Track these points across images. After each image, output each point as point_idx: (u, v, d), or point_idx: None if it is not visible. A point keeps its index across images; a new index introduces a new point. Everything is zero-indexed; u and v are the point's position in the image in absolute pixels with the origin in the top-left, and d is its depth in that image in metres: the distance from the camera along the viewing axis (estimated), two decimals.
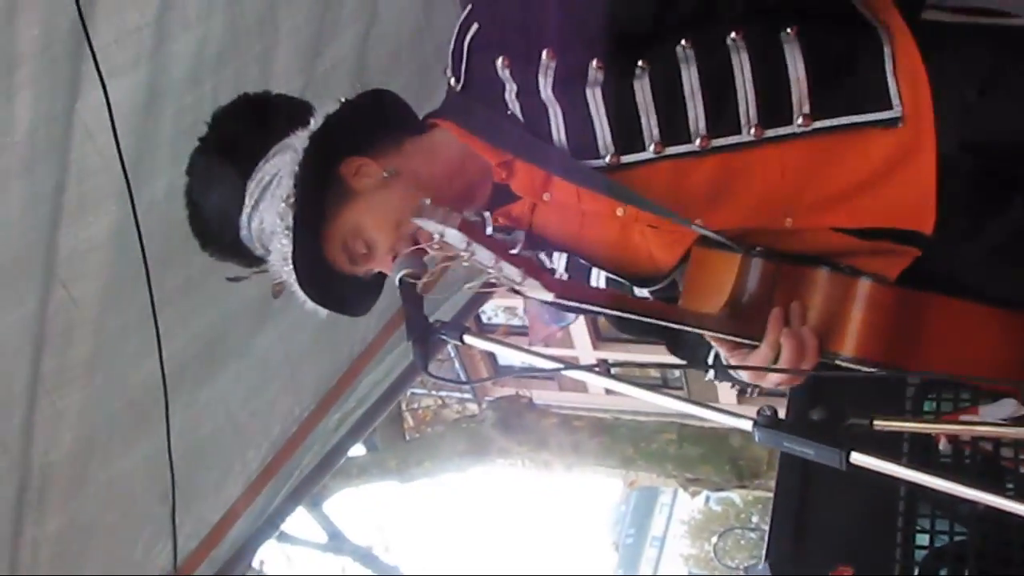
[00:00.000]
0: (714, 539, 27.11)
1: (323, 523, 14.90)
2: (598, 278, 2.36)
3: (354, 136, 2.24)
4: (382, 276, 2.38)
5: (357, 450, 14.55)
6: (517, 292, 1.79)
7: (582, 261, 2.34)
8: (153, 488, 3.47)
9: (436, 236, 1.75)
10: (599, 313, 2.03)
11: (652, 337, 2.60)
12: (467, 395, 18.30)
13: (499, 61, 2.18)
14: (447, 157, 2.30)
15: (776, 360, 2.09)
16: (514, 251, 1.72)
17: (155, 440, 3.30)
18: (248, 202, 2.25)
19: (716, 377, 2.43)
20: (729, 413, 1.83)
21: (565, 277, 2.41)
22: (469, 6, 2.28)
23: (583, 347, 17.47)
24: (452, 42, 2.28)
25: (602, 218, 2.27)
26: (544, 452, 12.11)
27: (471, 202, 2.31)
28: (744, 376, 2.21)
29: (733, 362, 2.18)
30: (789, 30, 2.15)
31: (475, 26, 2.22)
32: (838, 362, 2.11)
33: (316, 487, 4.71)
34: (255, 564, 15.20)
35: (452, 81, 2.31)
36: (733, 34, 2.14)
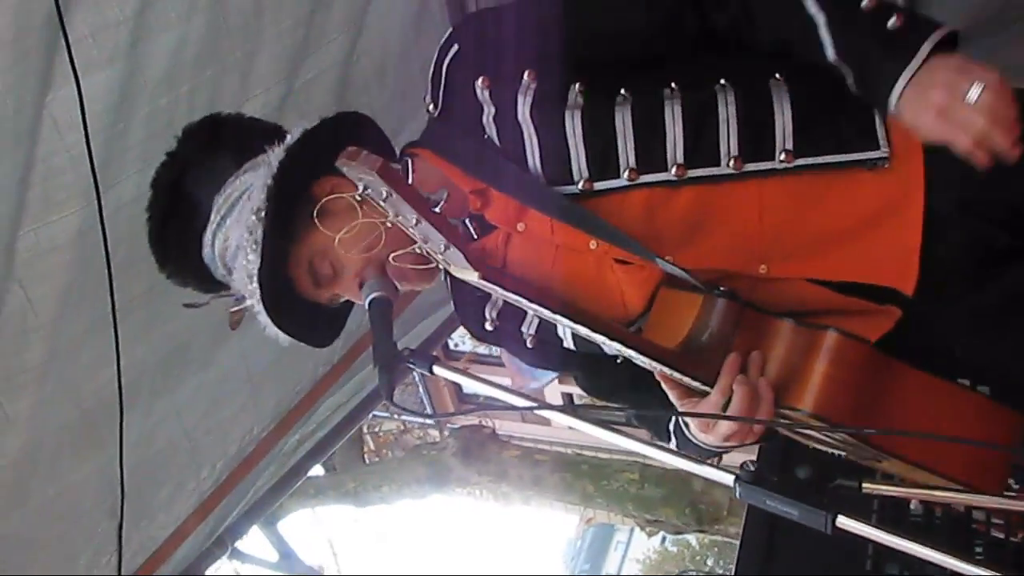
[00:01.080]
0: None
1: (276, 542, 14.75)
2: (566, 329, 2.28)
3: (331, 155, 2.16)
4: (347, 307, 2.34)
5: (315, 471, 14.40)
6: (446, 271, 1.64)
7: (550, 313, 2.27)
8: (102, 502, 3.36)
9: (359, 187, 1.62)
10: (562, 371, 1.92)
11: (614, 400, 2.54)
12: (429, 422, 18.22)
13: (479, 82, 2.15)
14: (426, 186, 2.23)
15: (726, 410, 1.95)
16: (436, 209, 1.57)
17: (106, 453, 3.19)
18: (214, 218, 2.20)
19: (677, 445, 2.31)
20: (709, 465, 1.74)
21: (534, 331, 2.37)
22: (450, 29, 2.26)
23: (559, 424, 17.44)
24: (432, 66, 2.24)
25: (575, 252, 2.21)
26: (504, 484, 12.00)
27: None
28: (694, 430, 2.07)
29: (681, 408, 2.05)
30: (779, 75, 2.12)
31: (455, 48, 2.19)
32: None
33: (271, 508, 4.61)
34: None
35: (430, 107, 2.27)
36: (723, 80, 2.11)
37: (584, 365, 2.43)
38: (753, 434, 2.01)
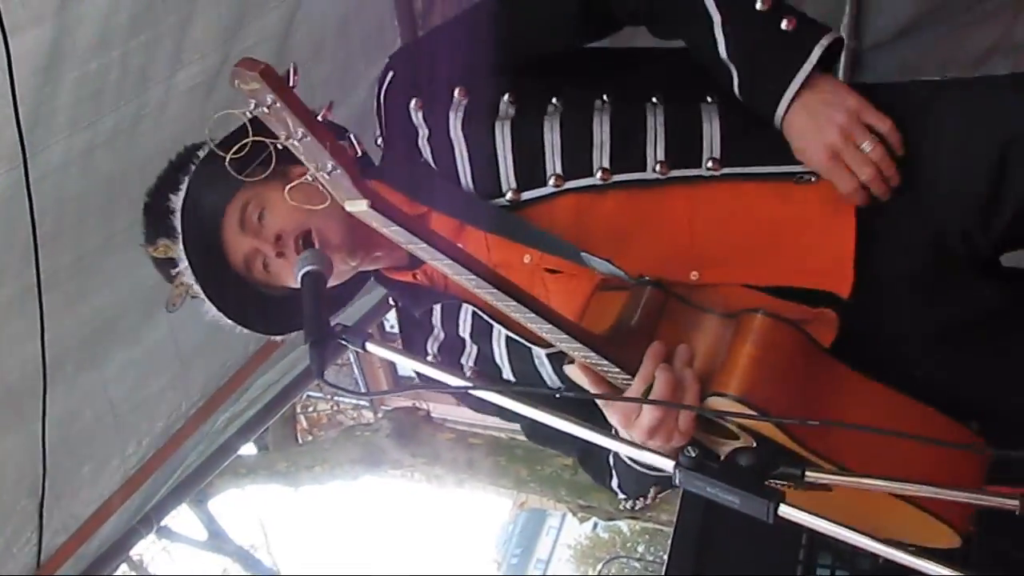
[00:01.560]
0: (599, 566, 27.15)
1: (206, 521, 14.67)
2: (499, 337, 2.28)
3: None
4: (282, 301, 2.33)
5: (247, 449, 14.31)
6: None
7: (484, 319, 2.26)
8: (22, 479, 3.27)
9: (251, 105, 1.55)
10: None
11: (556, 446, 2.55)
12: (363, 403, 18.15)
13: (412, 104, 2.20)
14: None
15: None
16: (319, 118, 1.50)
17: (28, 428, 3.11)
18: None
19: (619, 477, 2.32)
20: (647, 449, 1.70)
21: (473, 344, 2.34)
22: (387, 60, 2.30)
23: None
24: (374, 99, 2.29)
25: (510, 269, 2.18)
26: (437, 466, 11.94)
27: (384, 249, 2.28)
28: (613, 418, 1.99)
29: (605, 410, 2.00)
30: (710, 99, 2.14)
31: (390, 75, 2.25)
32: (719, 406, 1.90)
33: (199, 487, 4.54)
34: (136, 559, 15.00)
35: (378, 140, 2.31)
36: (654, 98, 2.14)
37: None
38: (680, 434, 1.94)
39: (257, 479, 13.56)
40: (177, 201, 2.20)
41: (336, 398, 17.22)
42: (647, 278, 2.02)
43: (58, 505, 3.47)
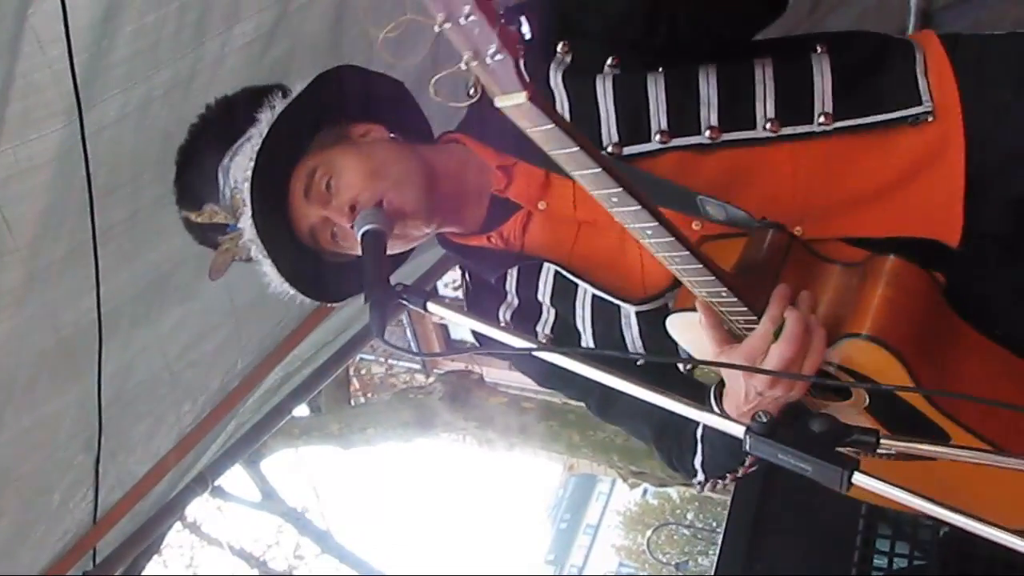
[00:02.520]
0: (648, 532, 27.18)
1: (258, 481, 14.79)
2: (584, 298, 2.22)
3: (370, 103, 2.23)
4: (343, 271, 2.29)
5: (300, 411, 14.40)
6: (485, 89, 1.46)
7: (569, 279, 2.20)
8: (78, 435, 3.27)
9: None
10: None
11: (627, 425, 2.47)
12: (416, 365, 18.19)
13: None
14: (450, 160, 2.25)
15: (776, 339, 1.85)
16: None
17: (84, 384, 3.10)
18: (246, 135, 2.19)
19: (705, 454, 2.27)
20: (717, 414, 1.64)
21: (551, 308, 2.28)
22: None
23: None
24: None
25: (598, 226, 2.15)
26: (489, 430, 11.98)
27: (461, 213, 2.26)
28: (735, 358, 1.92)
29: (720, 358, 1.94)
30: (819, 48, 2.08)
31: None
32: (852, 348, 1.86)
33: (253, 447, 4.53)
34: (189, 519, 15.17)
35: (471, 91, 2.16)
36: (759, 56, 2.08)
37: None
38: (802, 385, 1.91)
39: (310, 440, 13.65)
40: (235, 168, 2.16)
41: (390, 361, 17.28)
42: (770, 220, 1.97)
43: (113, 462, 3.47)
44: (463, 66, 1.37)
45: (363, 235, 1.95)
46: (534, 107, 1.40)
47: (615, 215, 1.66)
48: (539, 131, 1.46)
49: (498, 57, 1.33)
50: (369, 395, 17.30)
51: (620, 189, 1.56)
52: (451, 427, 12.31)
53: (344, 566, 16.14)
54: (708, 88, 2.05)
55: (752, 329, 1.89)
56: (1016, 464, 1.64)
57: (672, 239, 1.68)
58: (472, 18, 1.28)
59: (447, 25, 1.29)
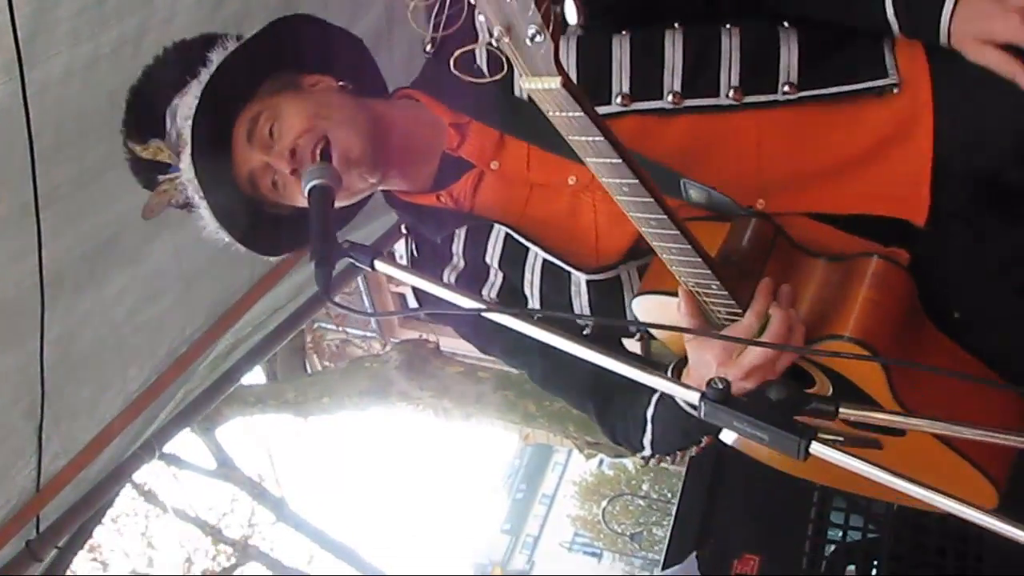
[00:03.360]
0: (604, 503, 27.34)
1: (214, 449, 14.74)
2: (535, 262, 2.19)
3: (324, 54, 2.21)
4: (288, 223, 2.27)
5: (255, 378, 14.37)
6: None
7: (519, 242, 2.16)
8: (20, 401, 3.17)
9: None
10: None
11: (569, 395, 2.45)
12: (373, 334, 18.14)
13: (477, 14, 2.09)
14: (402, 114, 2.23)
15: (759, 336, 1.83)
16: None
17: (26, 348, 3.02)
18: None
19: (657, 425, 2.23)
20: (674, 381, 1.60)
21: (499, 271, 2.25)
22: None
23: None
24: (436, 4, 2.16)
25: (551, 189, 2.13)
26: (445, 399, 11.95)
27: (411, 169, 2.24)
28: (707, 354, 1.91)
29: (694, 344, 1.93)
30: (787, 23, 2.06)
31: None
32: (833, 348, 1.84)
33: (202, 413, 4.46)
34: (144, 487, 15.12)
35: (427, 47, 2.23)
36: (728, 24, 2.05)
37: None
38: (775, 374, 1.88)
39: (265, 408, 13.59)
40: (183, 105, 2.12)
41: (345, 328, 17.22)
42: (755, 208, 1.95)
43: (57, 429, 3.39)
44: (493, 41, 1.34)
45: (310, 191, 1.91)
46: (568, 94, 1.37)
47: (620, 202, 1.64)
48: (563, 117, 1.44)
49: (538, 39, 1.30)
50: (325, 363, 17.26)
51: (635, 180, 1.56)
52: (407, 396, 12.27)
53: (299, 534, 16.15)
54: (673, 53, 2.02)
55: (732, 319, 1.86)
56: (971, 434, 1.63)
57: (676, 231, 1.66)
58: None
59: None
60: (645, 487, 28.23)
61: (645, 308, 2.00)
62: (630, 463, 26.73)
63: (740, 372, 1.87)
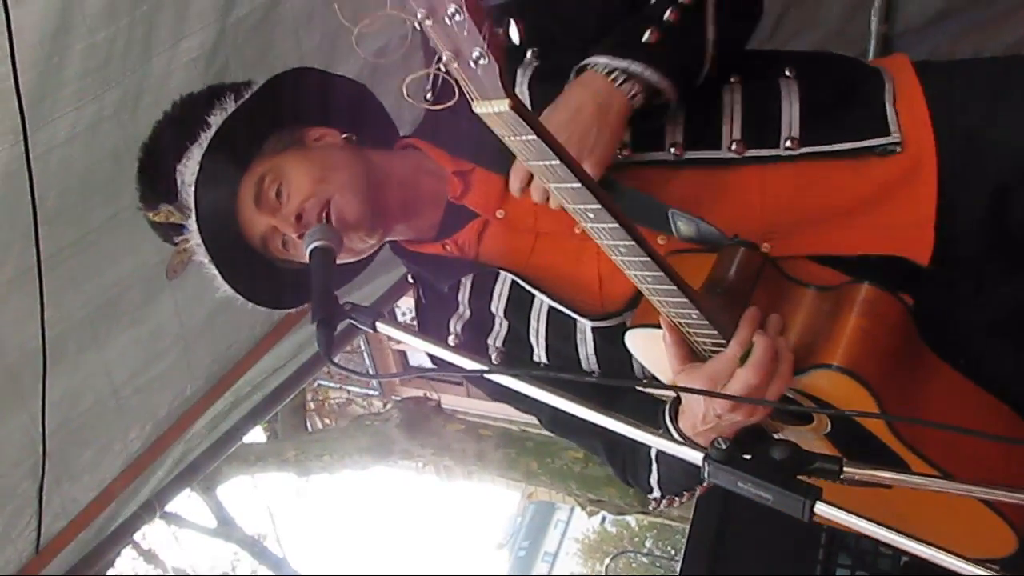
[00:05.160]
0: (607, 561, 27.13)
1: (215, 508, 14.68)
2: (540, 310, 2.19)
3: (327, 106, 2.21)
4: (293, 276, 2.26)
5: (256, 437, 14.34)
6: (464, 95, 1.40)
7: (525, 290, 2.17)
8: (22, 462, 3.18)
9: None
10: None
11: (580, 439, 2.44)
12: (374, 392, 18.12)
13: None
14: (404, 166, 2.23)
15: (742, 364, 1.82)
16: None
17: (28, 410, 3.03)
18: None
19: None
20: (676, 441, 1.60)
21: (504, 320, 2.25)
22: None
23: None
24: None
25: (556, 237, 2.13)
26: (447, 457, 11.92)
27: (413, 220, 2.23)
28: (695, 382, 1.88)
29: (680, 377, 1.90)
30: (788, 72, 2.08)
31: None
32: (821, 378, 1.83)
33: (203, 473, 4.44)
34: (145, 547, 15.03)
35: (428, 95, 2.15)
36: (732, 78, 2.07)
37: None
38: (762, 410, 1.88)
39: (266, 467, 13.55)
40: (187, 171, 2.12)
41: (346, 387, 17.20)
42: (740, 238, 1.94)
43: (58, 489, 3.39)
44: (441, 67, 1.33)
45: (311, 252, 1.92)
46: (516, 116, 1.36)
47: (588, 231, 1.64)
48: (518, 141, 1.43)
49: (483, 61, 1.29)
50: (327, 421, 17.22)
51: (599, 206, 1.54)
52: (408, 454, 12.23)
53: None
54: (676, 108, 2.03)
55: (717, 350, 1.85)
56: (978, 492, 1.62)
57: (647, 258, 1.65)
58: (458, 18, 1.24)
59: (428, 22, 1.25)
60: (648, 544, 28.05)
61: (636, 340, 1.99)
62: (633, 520, 26.56)
63: (727, 404, 1.86)
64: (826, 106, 2.05)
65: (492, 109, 1.35)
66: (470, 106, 1.94)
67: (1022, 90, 2.07)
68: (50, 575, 3.65)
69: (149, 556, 16.27)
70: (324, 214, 2.09)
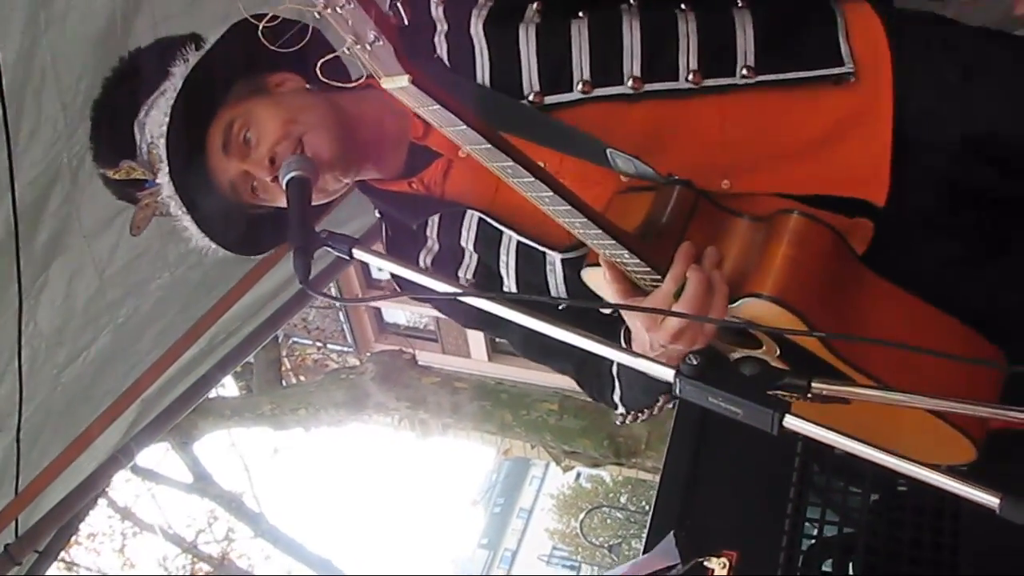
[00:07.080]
0: (581, 515, 27.29)
1: (191, 464, 14.66)
2: (509, 244, 2.21)
3: (285, 54, 2.10)
4: (267, 224, 2.28)
5: (231, 391, 14.33)
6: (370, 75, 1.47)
7: (493, 226, 2.18)
8: None
9: None
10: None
11: (552, 362, 2.44)
12: (348, 349, 18.12)
13: (433, 1, 2.14)
14: (368, 106, 2.21)
15: (677, 299, 1.86)
16: None
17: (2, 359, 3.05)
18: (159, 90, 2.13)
19: (623, 388, 2.28)
20: (648, 359, 1.62)
21: (474, 253, 2.26)
22: None
23: (479, 356, 17.39)
24: None
25: None
26: (422, 410, 11.89)
27: (380, 159, 2.23)
28: (635, 320, 1.95)
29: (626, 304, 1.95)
30: (740, 3, 2.09)
31: None
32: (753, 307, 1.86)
33: (179, 419, 4.45)
34: (122, 505, 14.99)
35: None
36: (683, 5, 2.08)
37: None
38: (704, 336, 1.91)
39: (242, 421, 13.52)
40: (151, 124, 2.10)
41: (320, 343, 17.20)
42: (676, 177, 1.97)
43: (37, 435, 3.41)
44: (346, 50, 1.39)
45: (288, 182, 1.92)
46: (418, 89, 1.42)
47: (514, 185, 1.68)
48: (427, 111, 1.49)
49: (379, 43, 1.35)
50: (302, 377, 17.21)
51: (512, 163, 1.60)
52: (383, 407, 12.21)
53: (277, 549, 16.06)
54: (632, 38, 2.04)
55: (658, 286, 1.89)
56: (950, 406, 1.64)
57: (569, 207, 1.70)
58: (350, 7, 1.30)
59: (327, 11, 1.31)
60: (623, 499, 28.19)
61: (591, 279, 2.03)
62: (608, 476, 26.71)
63: (667, 336, 1.90)
64: (780, 36, 2.06)
65: (396, 85, 1.42)
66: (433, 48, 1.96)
67: (1001, 65, 2.10)
68: (28, 517, 3.67)
69: (126, 513, 16.26)
70: (299, 152, 2.08)
